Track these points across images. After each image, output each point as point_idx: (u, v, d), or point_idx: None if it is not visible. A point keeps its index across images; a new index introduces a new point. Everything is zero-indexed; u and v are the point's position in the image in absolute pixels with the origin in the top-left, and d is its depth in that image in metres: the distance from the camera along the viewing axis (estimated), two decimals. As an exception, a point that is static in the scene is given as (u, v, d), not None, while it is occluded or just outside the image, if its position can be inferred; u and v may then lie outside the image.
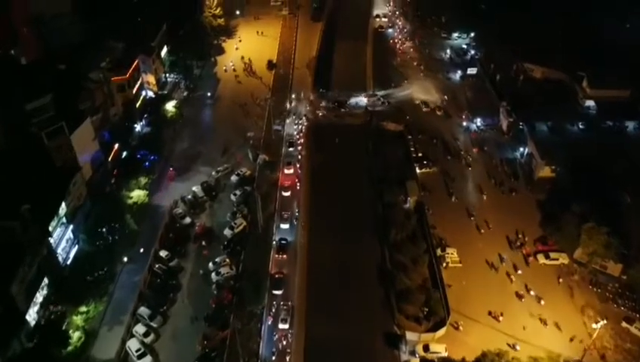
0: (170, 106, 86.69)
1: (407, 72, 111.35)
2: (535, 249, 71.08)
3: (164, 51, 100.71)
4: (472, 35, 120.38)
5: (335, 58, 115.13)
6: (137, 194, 70.14)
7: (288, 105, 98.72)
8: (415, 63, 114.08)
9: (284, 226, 76.83)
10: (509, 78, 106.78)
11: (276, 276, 68.66)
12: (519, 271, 67.98)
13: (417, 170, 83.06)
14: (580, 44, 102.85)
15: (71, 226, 65.31)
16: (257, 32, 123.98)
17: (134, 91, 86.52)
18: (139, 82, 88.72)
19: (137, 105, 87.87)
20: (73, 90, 73.23)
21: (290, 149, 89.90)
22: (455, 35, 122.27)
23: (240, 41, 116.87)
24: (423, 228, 72.18)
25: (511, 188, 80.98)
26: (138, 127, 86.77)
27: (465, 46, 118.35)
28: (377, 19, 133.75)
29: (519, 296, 64.93)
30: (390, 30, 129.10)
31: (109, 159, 76.75)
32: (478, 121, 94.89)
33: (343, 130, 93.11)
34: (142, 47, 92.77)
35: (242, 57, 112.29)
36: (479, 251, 70.54)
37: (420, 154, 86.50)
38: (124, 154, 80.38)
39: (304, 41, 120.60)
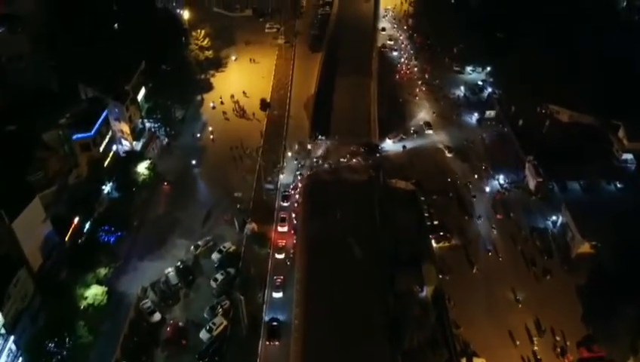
0: (142, 168, 74.12)
1: (416, 111, 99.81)
2: (579, 356, 58.70)
3: (142, 93, 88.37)
4: (489, 69, 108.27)
5: (335, 97, 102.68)
6: (94, 293, 57.45)
7: (282, 159, 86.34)
8: (425, 102, 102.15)
9: (277, 295, 65.75)
10: (532, 121, 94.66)
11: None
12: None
13: (434, 244, 70.98)
14: (614, 86, 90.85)
15: (12, 337, 52.85)
16: (250, 60, 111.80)
17: (102, 148, 74.27)
18: (108, 136, 76.33)
19: (106, 163, 75.56)
20: (22, 160, 60.94)
21: (285, 204, 78.09)
22: (469, 68, 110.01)
23: (221, 102, 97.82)
24: (443, 327, 59.78)
25: (544, 269, 68.61)
26: (107, 189, 74.37)
27: (480, 82, 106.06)
28: (382, 32, 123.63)
29: None
30: (395, 53, 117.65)
31: (67, 238, 64.28)
32: (501, 178, 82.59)
33: (346, 189, 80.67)
34: (114, 93, 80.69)
35: (232, 96, 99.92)
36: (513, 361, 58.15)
37: (435, 222, 74.31)
38: (87, 227, 67.88)
39: (302, 76, 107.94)
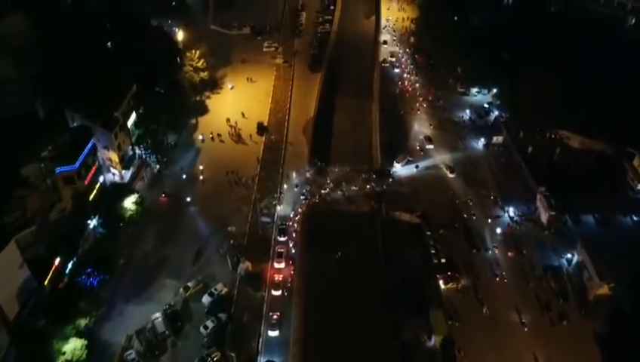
0: (129, 203, 69.59)
1: (417, 131, 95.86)
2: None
3: (132, 118, 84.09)
4: (495, 91, 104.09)
5: (335, 120, 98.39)
6: (73, 348, 52.70)
7: (279, 188, 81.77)
8: (429, 124, 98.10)
9: (274, 333, 61.40)
10: (541, 147, 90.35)
11: None
12: None
13: (441, 285, 66.26)
14: (628, 110, 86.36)
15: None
16: (247, 79, 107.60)
17: (87, 181, 69.83)
18: (94, 167, 71.88)
19: (92, 196, 71.09)
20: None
21: (282, 239, 73.53)
22: (474, 90, 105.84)
23: (212, 137, 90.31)
24: (453, 383, 55.14)
25: (560, 313, 63.79)
26: (92, 223, 69.80)
27: (486, 105, 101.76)
28: (384, 45, 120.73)
29: None
30: (397, 70, 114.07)
31: (46, 281, 59.67)
32: (511, 210, 78.07)
33: (346, 222, 76.12)
34: (102, 120, 76.52)
35: (228, 119, 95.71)
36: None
37: (443, 260, 69.65)
38: (69, 267, 63.23)
39: (301, 98, 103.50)
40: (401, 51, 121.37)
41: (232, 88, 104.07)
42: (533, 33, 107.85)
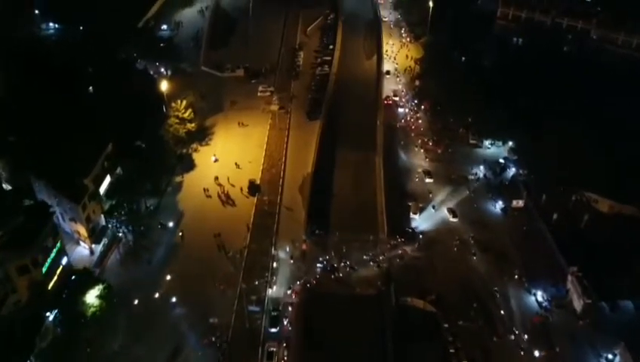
0: (92, 297, 58.71)
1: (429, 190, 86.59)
2: None
3: (106, 182, 74.56)
4: (510, 143, 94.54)
5: (336, 178, 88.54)
6: None
7: (271, 264, 71.58)
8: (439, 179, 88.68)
9: None
10: (566, 212, 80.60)
11: None
12: None
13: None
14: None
15: None
16: (239, 124, 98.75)
17: (46, 267, 59.57)
18: (55, 250, 61.55)
19: (52, 283, 60.76)
20: None
21: (274, 330, 63.04)
22: (487, 142, 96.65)
23: (181, 235, 74.68)
24: None
25: None
26: (52, 315, 59.40)
27: (502, 160, 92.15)
28: (387, 76, 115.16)
29: None
30: (401, 110, 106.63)
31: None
32: (539, 294, 67.78)
33: (349, 310, 65.03)
34: (68, 190, 66.91)
35: (216, 178, 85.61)
36: None
37: (464, 362, 59.20)
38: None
39: (298, 150, 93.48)
40: (404, 91, 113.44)
41: (215, 161, 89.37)
42: (548, 77, 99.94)
